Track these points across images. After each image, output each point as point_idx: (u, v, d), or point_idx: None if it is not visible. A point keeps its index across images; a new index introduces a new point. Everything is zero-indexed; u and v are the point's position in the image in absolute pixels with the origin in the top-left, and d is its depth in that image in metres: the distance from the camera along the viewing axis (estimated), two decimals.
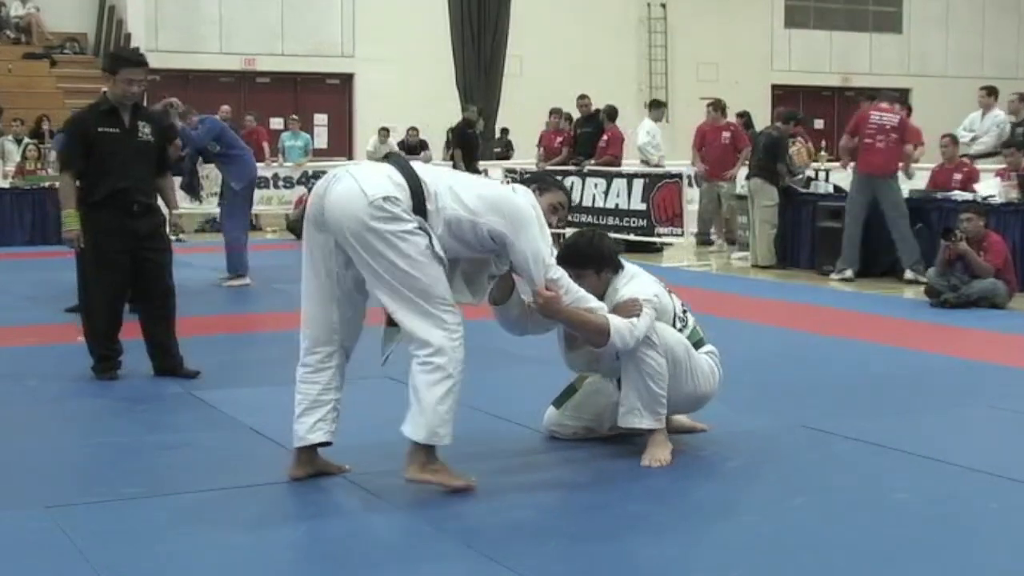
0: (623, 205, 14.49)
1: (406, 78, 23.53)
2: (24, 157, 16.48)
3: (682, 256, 13.86)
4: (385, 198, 4.33)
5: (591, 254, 5.02)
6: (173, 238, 7.08)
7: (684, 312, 5.21)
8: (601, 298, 4.92)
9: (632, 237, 14.56)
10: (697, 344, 5.20)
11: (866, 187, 11.61)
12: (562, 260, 4.81)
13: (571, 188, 15.32)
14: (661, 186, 14.01)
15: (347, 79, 25.04)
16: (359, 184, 4.37)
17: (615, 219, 14.63)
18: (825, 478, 4.84)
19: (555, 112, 16.92)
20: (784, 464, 5.06)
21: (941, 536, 4.16)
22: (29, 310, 9.75)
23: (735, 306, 10.17)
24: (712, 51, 26.83)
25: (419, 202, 4.40)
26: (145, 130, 6.63)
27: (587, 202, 15.06)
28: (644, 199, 14.15)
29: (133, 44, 21.69)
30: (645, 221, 14.16)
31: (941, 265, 9.82)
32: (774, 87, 28.13)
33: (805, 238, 12.81)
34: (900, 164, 11.70)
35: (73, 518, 4.25)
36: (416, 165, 4.58)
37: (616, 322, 4.73)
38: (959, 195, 11.39)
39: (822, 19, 29.09)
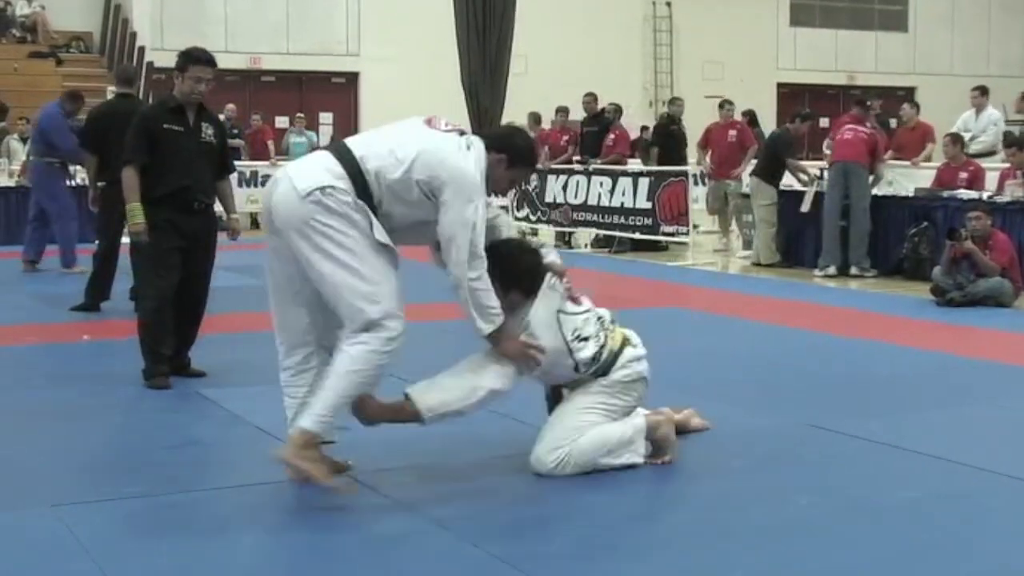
0: (628, 204, 14.48)
1: (411, 77, 23.54)
2: (29, 156, 16.47)
3: (687, 255, 13.84)
4: (320, 189, 4.27)
5: (504, 270, 4.57)
6: (232, 240, 7.06)
7: (598, 351, 4.73)
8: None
9: (638, 236, 14.58)
10: (611, 364, 4.80)
11: (839, 176, 11.93)
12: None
13: (577, 187, 15.34)
14: (667, 185, 14.00)
15: (352, 78, 25.06)
16: (292, 182, 4.34)
17: (621, 218, 14.63)
18: (831, 477, 4.84)
19: (560, 111, 16.91)
20: (790, 463, 5.05)
21: (948, 535, 4.15)
22: (35, 309, 9.76)
23: (740, 305, 10.16)
24: (717, 50, 26.82)
25: (361, 183, 4.33)
26: (208, 131, 6.61)
27: (592, 201, 15.05)
28: (650, 198, 14.14)
29: (139, 43, 21.78)
30: (651, 220, 14.15)
31: (947, 264, 9.81)
32: (779, 85, 28.13)
33: (810, 237, 12.82)
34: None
35: (79, 517, 4.25)
36: (355, 141, 4.47)
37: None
38: (965, 194, 11.39)
39: (827, 17, 29.07)
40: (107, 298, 9.45)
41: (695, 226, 15.34)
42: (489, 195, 4.58)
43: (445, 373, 4.66)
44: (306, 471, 4.32)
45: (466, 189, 4.35)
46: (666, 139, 15.97)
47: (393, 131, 4.59)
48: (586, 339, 4.74)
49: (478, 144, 4.51)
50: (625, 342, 4.88)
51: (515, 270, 4.65)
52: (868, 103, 13.20)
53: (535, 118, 18.49)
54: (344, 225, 4.29)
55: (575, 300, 4.82)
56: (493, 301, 4.48)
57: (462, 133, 4.55)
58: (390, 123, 4.75)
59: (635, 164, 16.30)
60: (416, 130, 4.52)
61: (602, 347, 4.78)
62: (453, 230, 4.35)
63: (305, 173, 4.37)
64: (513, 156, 4.59)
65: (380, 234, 4.34)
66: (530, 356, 4.60)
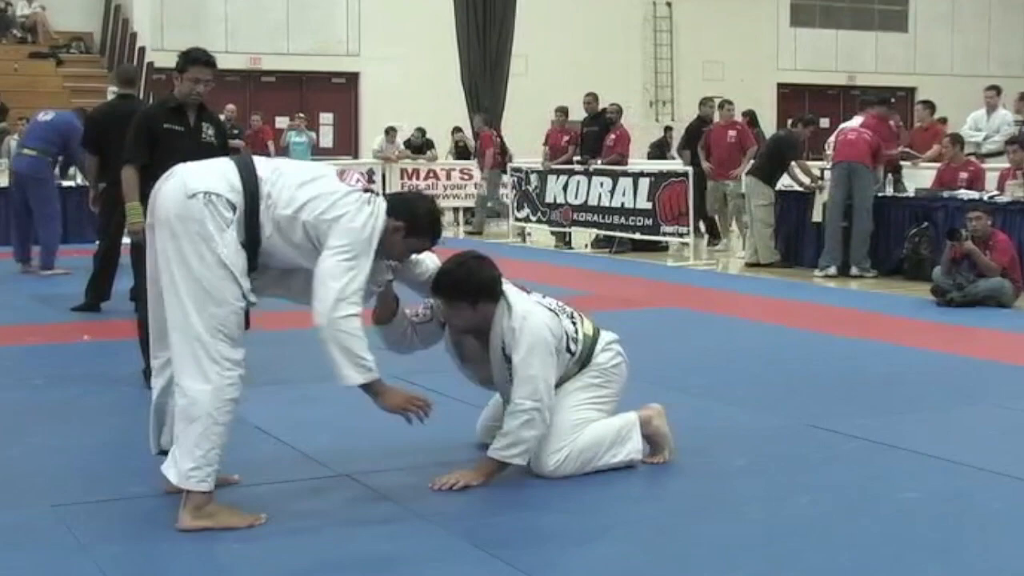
0: (629, 204, 14.48)
1: (412, 77, 23.55)
2: (24, 149, 16.42)
3: (687, 255, 13.84)
4: (206, 194, 4.08)
5: (468, 285, 4.58)
6: None
7: (575, 328, 4.80)
8: (481, 329, 4.69)
9: (638, 236, 14.58)
10: (591, 349, 4.84)
11: (843, 176, 11.90)
12: (435, 289, 4.60)
13: (577, 187, 15.34)
14: (667, 185, 14.00)
15: (353, 78, 25.06)
16: (183, 178, 4.16)
17: (621, 218, 14.62)
18: (831, 477, 4.84)
19: (560, 111, 16.92)
20: (790, 463, 5.05)
21: (948, 535, 4.15)
22: (35, 309, 9.75)
23: (739, 304, 10.17)
24: (718, 50, 26.82)
25: (253, 204, 4.14)
26: (209, 131, 6.58)
27: (593, 201, 15.05)
28: (650, 198, 14.13)
29: (139, 44, 21.78)
30: (651, 220, 14.15)
31: (947, 264, 9.81)
32: (780, 86, 28.15)
33: (810, 237, 12.82)
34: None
35: (79, 517, 4.25)
36: (262, 162, 4.29)
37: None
38: (965, 194, 11.39)
39: (828, 17, 29.07)
40: (107, 298, 9.45)
41: (716, 236, 15.38)
42: (386, 259, 4.42)
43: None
44: (218, 526, 4.14)
45: (350, 239, 4.15)
46: (698, 140, 15.61)
47: (301, 169, 4.37)
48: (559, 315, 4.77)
49: (380, 204, 4.29)
50: (596, 328, 4.93)
51: (479, 280, 4.62)
52: (892, 100, 13.16)
53: (485, 120, 18.77)
54: (215, 240, 4.08)
55: (525, 291, 4.86)
56: (365, 352, 4.18)
57: (367, 191, 4.34)
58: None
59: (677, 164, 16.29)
60: (322, 175, 4.32)
61: (577, 327, 4.81)
62: (329, 272, 4.12)
63: (199, 175, 4.19)
64: (410, 226, 4.36)
65: (231, 263, 4.09)
66: (416, 407, 4.42)
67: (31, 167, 12.19)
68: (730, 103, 15.28)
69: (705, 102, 16.45)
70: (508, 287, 4.75)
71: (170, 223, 4.10)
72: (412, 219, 4.38)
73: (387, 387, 4.35)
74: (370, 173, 18.70)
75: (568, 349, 4.76)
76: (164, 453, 4.46)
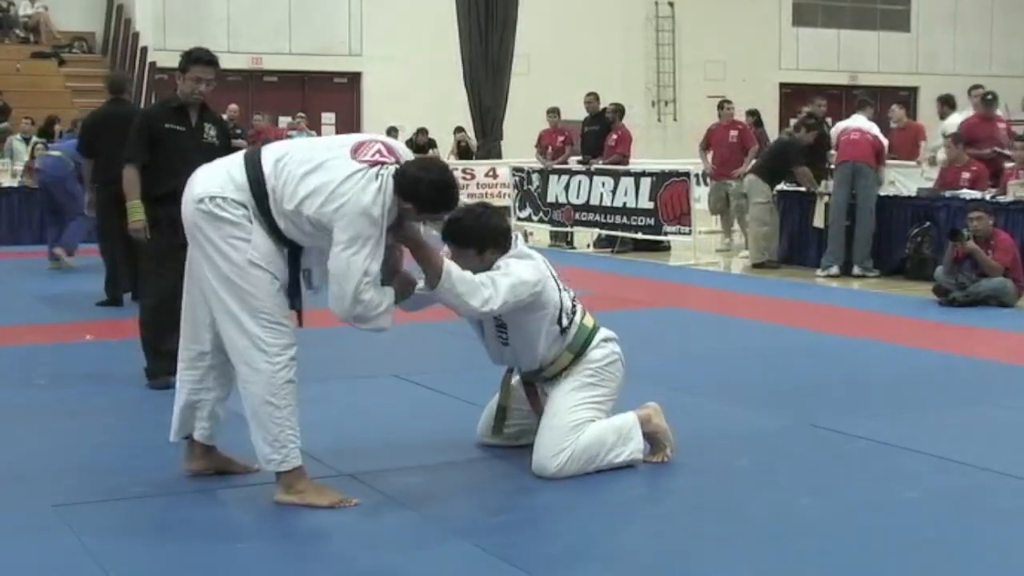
0: (631, 204, 14.46)
1: (413, 77, 23.56)
2: (32, 156, 16.49)
3: (689, 255, 13.84)
4: (211, 198, 4.21)
5: (476, 232, 4.64)
6: None
7: (573, 308, 4.84)
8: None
9: (640, 236, 14.57)
10: (587, 341, 4.85)
11: (847, 176, 11.90)
12: (445, 236, 4.63)
13: (579, 187, 15.33)
14: (668, 185, 13.99)
15: (355, 78, 25.07)
16: (191, 185, 4.32)
17: (623, 218, 14.61)
18: (834, 477, 4.84)
19: (552, 111, 16.89)
20: (793, 463, 5.05)
21: (950, 535, 4.15)
22: (37, 309, 9.76)
23: (741, 304, 10.16)
24: (719, 50, 26.82)
25: (261, 198, 4.21)
26: (211, 131, 6.59)
27: (595, 201, 15.04)
28: (652, 198, 14.12)
29: (141, 43, 21.81)
30: (653, 220, 14.14)
31: (949, 264, 9.80)
32: (782, 85, 28.14)
33: (812, 236, 12.81)
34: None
35: (81, 517, 4.25)
36: (270, 153, 4.30)
37: (456, 271, 4.48)
38: (967, 193, 11.38)
39: (830, 17, 29.08)
40: (127, 290, 9.52)
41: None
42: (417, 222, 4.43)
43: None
44: (303, 503, 4.31)
45: (356, 229, 4.12)
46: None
47: (308, 155, 4.28)
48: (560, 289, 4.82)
49: (388, 180, 4.19)
50: (596, 324, 4.93)
51: (488, 228, 4.67)
52: (990, 96, 12.95)
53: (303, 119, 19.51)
54: (232, 237, 4.21)
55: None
56: (386, 305, 4.29)
57: (374, 164, 4.20)
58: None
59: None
60: (327, 159, 4.24)
61: (575, 308, 4.83)
62: (342, 272, 4.16)
63: (205, 177, 4.31)
64: (419, 206, 4.26)
65: (258, 258, 4.21)
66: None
67: (53, 167, 12.58)
68: (729, 103, 15.26)
69: (813, 101, 14.99)
70: (521, 245, 4.78)
71: (191, 232, 4.32)
72: (415, 199, 4.26)
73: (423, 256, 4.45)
74: None
75: (559, 321, 4.75)
76: (187, 439, 4.65)
